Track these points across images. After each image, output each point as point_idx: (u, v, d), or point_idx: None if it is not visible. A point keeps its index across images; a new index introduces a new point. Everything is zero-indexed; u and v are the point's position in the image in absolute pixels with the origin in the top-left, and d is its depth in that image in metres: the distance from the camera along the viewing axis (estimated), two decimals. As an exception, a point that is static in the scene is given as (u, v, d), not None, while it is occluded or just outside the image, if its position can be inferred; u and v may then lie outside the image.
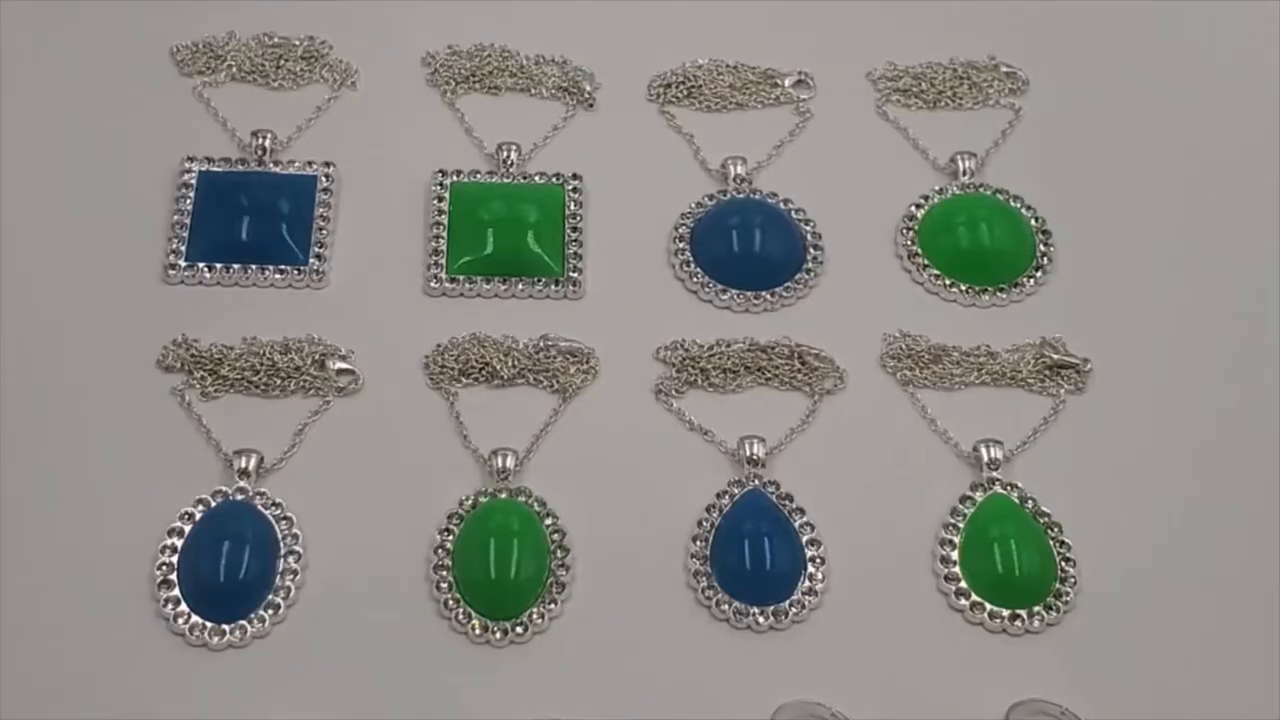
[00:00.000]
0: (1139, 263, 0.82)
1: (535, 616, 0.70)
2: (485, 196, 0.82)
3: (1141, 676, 0.69)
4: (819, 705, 0.67)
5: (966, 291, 0.81)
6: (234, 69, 0.87)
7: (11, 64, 0.86)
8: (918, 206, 0.84)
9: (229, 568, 0.70)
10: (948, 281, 0.81)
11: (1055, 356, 0.78)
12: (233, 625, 0.69)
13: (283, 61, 0.87)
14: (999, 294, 0.81)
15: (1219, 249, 0.83)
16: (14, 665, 0.68)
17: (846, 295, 0.81)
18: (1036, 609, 0.71)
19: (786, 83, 0.88)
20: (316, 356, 0.77)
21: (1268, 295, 0.81)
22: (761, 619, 0.71)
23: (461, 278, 0.80)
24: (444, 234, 0.81)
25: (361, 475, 0.74)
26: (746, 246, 0.81)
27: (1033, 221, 0.83)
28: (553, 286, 0.80)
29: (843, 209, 0.84)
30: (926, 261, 0.82)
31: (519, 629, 0.70)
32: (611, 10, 0.91)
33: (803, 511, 0.74)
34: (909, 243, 0.82)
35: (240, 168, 0.83)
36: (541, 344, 0.78)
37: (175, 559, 0.70)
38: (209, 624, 0.69)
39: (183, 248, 0.80)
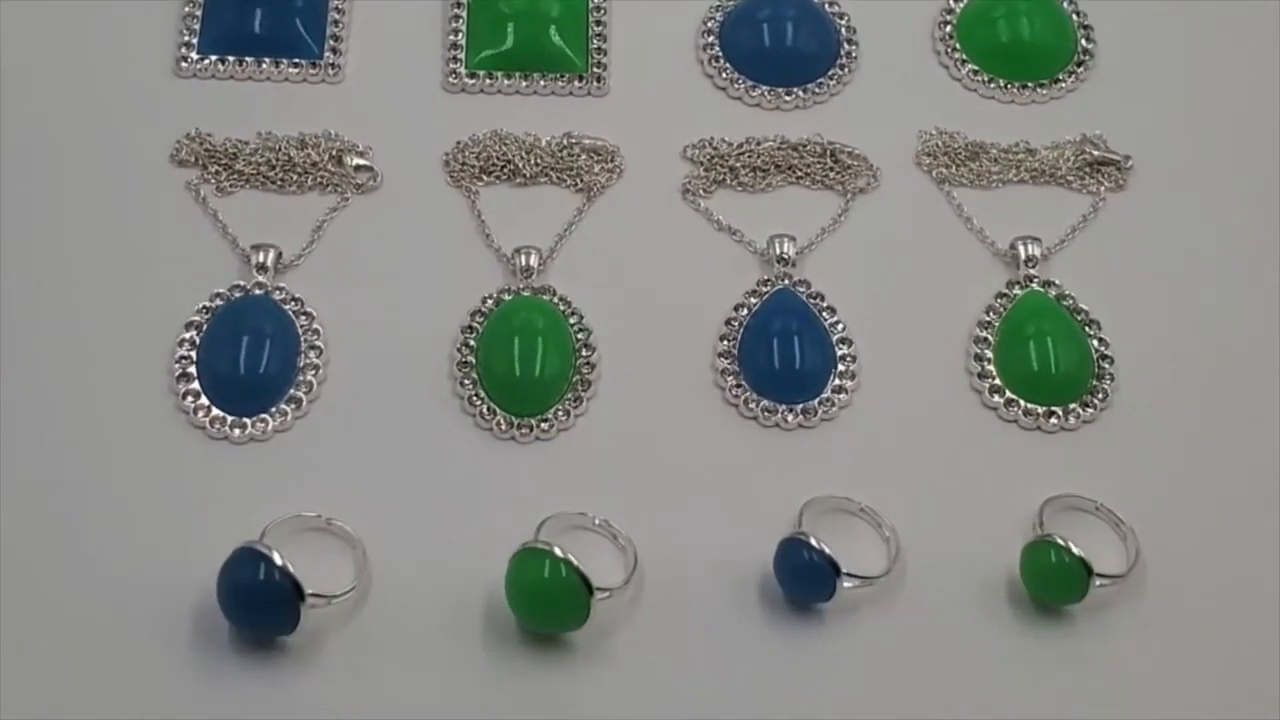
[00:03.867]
0: (1182, 59, 0.80)
1: (560, 413, 0.69)
2: (505, -13, 0.80)
3: (1177, 474, 0.68)
4: (847, 499, 0.66)
5: (1005, 87, 0.79)
6: None
7: None
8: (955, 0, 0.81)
9: (249, 361, 0.69)
10: (986, 77, 0.79)
11: (1096, 153, 0.76)
12: (254, 418, 0.68)
13: None
14: (1039, 90, 0.79)
15: (1266, 48, 0.80)
16: (34, 466, 0.66)
17: (881, 91, 0.79)
18: (1072, 406, 0.70)
19: (820, -128, 0.85)
20: (334, 152, 0.75)
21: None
22: (790, 417, 0.69)
23: (481, 73, 0.78)
24: (462, 27, 0.79)
25: (381, 273, 0.72)
26: (778, 41, 0.79)
27: (1074, 15, 0.80)
28: (576, 83, 0.78)
29: (878, 1, 0.80)
30: (964, 57, 0.79)
31: (544, 425, 0.69)
32: None
33: (833, 310, 0.72)
34: (946, 37, 0.80)
35: (251, -44, 0.80)
36: (565, 141, 0.76)
37: (194, 353, 0.69)
38: (230, 417, 0.68)
39: (194, 40, 0.77)
